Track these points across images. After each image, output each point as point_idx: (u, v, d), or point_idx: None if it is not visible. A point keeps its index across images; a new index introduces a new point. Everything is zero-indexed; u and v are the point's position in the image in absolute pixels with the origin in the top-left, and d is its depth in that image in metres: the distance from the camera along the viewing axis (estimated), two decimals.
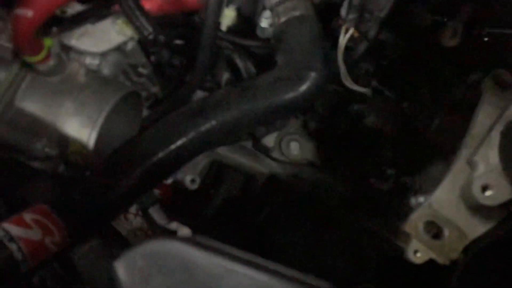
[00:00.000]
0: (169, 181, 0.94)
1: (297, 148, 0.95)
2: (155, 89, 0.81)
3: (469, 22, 0.88)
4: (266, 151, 0.95)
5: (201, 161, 0.96)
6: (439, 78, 0.99)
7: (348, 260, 1.08)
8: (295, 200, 1.13)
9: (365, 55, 0.93)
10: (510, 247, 0.61)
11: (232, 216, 1.18)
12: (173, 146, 0.66)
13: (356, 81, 0.91)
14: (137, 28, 0.61)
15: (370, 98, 0.92)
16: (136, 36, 0.65)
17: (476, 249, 0.67)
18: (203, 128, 0.68)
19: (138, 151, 0.64)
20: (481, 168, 0.69)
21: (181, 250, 0.33)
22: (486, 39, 0.92)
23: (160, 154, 0.65)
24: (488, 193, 0.68)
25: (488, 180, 0.68)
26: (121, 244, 0.97)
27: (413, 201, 0.73)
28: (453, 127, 0.85)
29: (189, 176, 0.94)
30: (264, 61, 0.82)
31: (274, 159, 0.97)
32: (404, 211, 0.76)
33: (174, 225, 0.90)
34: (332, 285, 0.39)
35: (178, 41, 0.80)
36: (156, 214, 0.90)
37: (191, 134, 0.67)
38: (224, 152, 0.96)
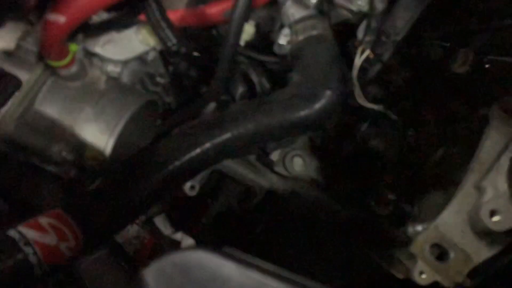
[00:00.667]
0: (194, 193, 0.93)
1: (300, 164, 0.95)
2: (169, 99, 0.82)
3: (480, 50, 0.90)
4: (269, 165, 0.95)
5: None
6: (447, 109, 1.00)
7: (341, 279, 1.08)
8: (292, 216, 1.13)
9: (375, 79, 0.95)
10: None
11: (229, 227, 1.18)
12: (188, 156, 0.66)
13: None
14: (162, 39, 0.62)
15: (376, 122, 0.94)
16: (158, 46, 0.65)
17: (484, 276, 0.67)
18: (219, 139, 0.68)
19: (154, 160, 0.64)
20: (489, 193, 0.71)
21: (213, 262, 0.33)
22: (487, 65, 0.94)
23: (176, 163, 0.65)
24: (495, 218, 0.69)
25: (496, 205, 0.69)
26: (120, 253, 0.97)
27: (410, 229, 0.74)
28: (455, 159, 0.86)
29: (189, 183, 0.94)
30: (279, 77, 0.83)
31: (276, 173, 0.97)
32: (401, 239, 0.76)
33: (179, 236, 0.90)
34: None
35: (195, 53, 0.81)
36: (161, 224, 0.90)
37: (207, 145, 0.67)
38: (226, 162, 0.96)
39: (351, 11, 0.78)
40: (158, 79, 0.74)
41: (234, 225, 1.18)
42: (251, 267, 0.33)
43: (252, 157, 0.97)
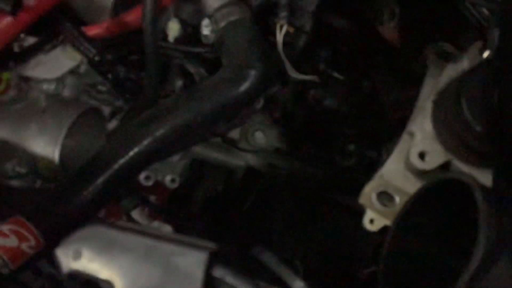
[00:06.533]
0: (150, 183, 1.01)
1: (262, 137, 1.01)
2: (119, 103, 0.89)
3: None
4: (232, 143, 1.01)
5: (180, 161, 1.04)
6: (396, 55, 1.05)
7: (344, 243, 1.14)
8: (275, 188, 1.19)
9: (322, 44, 1.00)
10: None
11: (218, 209, 1.26)
12: (132, 153, 0.73)
13: (316, 68, 0.98)
14: (83, 52, 0.69)
15: (325, 83, 0.98)
16: (85, 59, 0.73)
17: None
18: (158, 133, 0.74)
19: (100, 160, 0.72)
20: (418, 136, 0.75)
21: (111, 232, 0.40)
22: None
23: (121, 161, 0.72)
24: (424, 158, 0.74)
25: (424, 146, 0.74)
26: None
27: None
28: (409, 99, 0.90)
29: (169, 176, 1.02)
30: (219, 65, 0.89)
31: (242, 150, 1.04)
32: None
33: (155, 224, 0.98)
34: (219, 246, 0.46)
35: (134, 57, 0.88)
36: (138, 216, 0.98)
37: (148, 140, 0.74)
38: (200, 150, 1.03)
39: None
40: (100, 87, 0.82)
41: (222, 207, 1.26)
42: (141, 233, 0.41)
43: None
